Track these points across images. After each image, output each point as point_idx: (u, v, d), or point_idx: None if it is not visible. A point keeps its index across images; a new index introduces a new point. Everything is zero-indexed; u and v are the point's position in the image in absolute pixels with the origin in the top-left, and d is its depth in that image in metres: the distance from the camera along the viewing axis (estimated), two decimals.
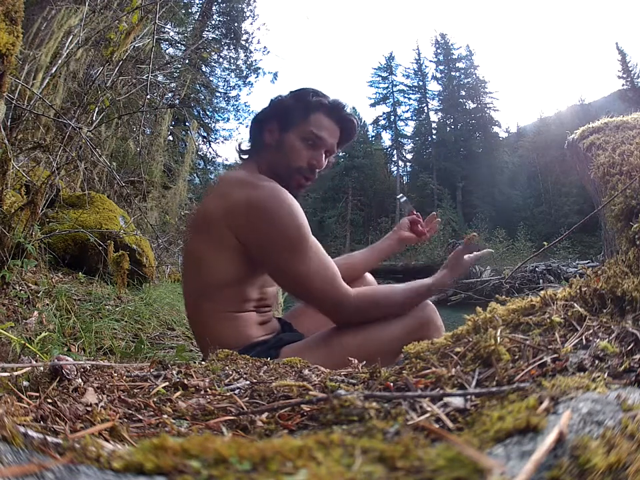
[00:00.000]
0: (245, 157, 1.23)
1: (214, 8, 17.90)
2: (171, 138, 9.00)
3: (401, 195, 1.57)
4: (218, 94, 17.86)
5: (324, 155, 1.17)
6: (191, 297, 1.16)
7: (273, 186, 1.04)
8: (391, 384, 0.47)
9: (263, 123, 1.18)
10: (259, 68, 19.11)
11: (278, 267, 1.06)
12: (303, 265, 1.01)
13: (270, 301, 1.21)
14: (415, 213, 1.45)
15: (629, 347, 0.44)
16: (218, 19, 18.46)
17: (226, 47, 17.97)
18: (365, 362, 0.66)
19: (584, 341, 0.47)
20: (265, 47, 20.38)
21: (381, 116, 35.51)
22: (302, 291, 1.07)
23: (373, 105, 35.67)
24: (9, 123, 2.13)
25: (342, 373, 0.59)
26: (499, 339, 0.48)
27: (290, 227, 1.01)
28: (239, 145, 1.25)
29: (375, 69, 36.10)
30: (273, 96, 1.23)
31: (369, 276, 1.45)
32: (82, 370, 0.56)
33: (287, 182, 1.15)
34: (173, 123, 10.40)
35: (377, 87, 35.56)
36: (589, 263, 8.19)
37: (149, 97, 3.29)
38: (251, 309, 1.13)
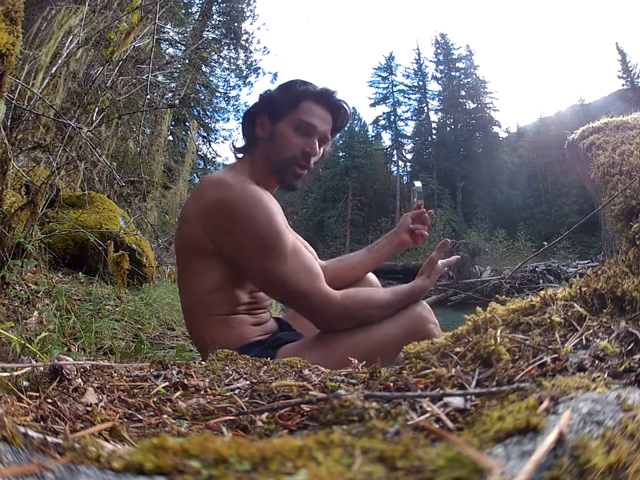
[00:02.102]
0: (240, 155, 1.21)
1: (214, 8, 17.91)
2: (170, 138, 9.01)
3: (418, 183, 1.42)
4: (218, 94, 17.86)
5: (317, 143, 1.15)
6: (185, 300, 1.15)
7: (246, 186, 1.02)
8: (391, 384, 0.47)
9: (254, 116, 1.17)
10: (259, 68, 19.15)
11: (255, 269, 1.02)
12: (281, 265, 0.99)
13: (264, 303, 1.19)
14: (421, 207, 1.36)
15: (629, 347, 0.44)
16: (218, 19, 18.48)
17: (226, 47, 17.98)
18: (364, 362, 0.66)
19: (584, 340, 0.47)
20: (264, 47, 20.42)
21: (380, 116, 35.51)
22: (282, 293, 1.04)
23: (373, 105, 35.68)
24: (9, 123, 2.13)
25: (342, 373, 0.59)
26: (499, 338, 0.48)
27: (263, 227, 0.99)
28: (233, 143, 1.23)
29: (375, 68, 36.13)
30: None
31: (371, 276, 1.42)
32: (82, 370, 0.56)
33: (283, 173, 1.14)
34: (173, 123, 10.41)
35: (377, 87, 35.59)
36: (588, 262, 8.19)
37: (148, 96, 3.29)
38: (242, 312, 1.11)
